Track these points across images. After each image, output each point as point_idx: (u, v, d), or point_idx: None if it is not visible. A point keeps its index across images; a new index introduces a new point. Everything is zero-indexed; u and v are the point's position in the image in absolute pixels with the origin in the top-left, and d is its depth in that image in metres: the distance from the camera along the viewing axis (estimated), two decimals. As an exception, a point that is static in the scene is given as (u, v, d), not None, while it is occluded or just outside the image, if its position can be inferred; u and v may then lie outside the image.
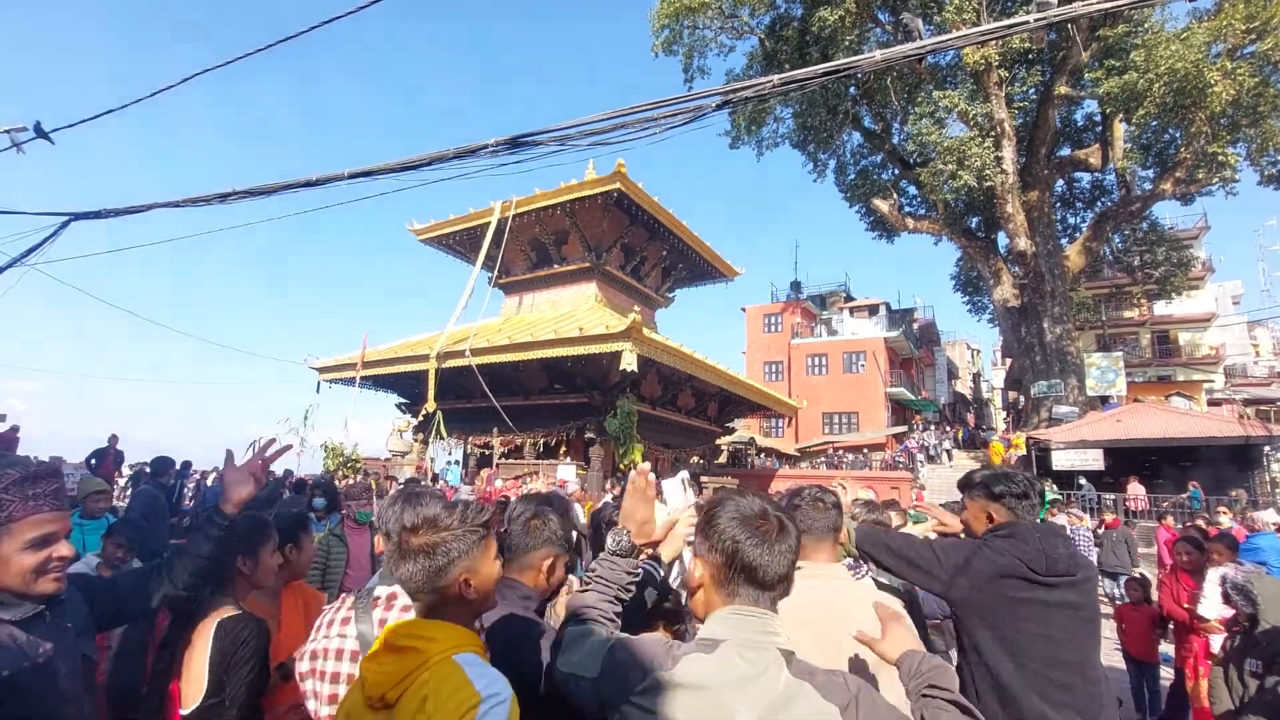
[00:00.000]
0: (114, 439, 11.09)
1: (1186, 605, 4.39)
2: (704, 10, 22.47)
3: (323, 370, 18.02)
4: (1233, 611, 3.56)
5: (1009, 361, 31.63)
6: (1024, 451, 18.39)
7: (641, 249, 18.97)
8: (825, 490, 2.04)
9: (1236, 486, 15.40)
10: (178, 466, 8.73)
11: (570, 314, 16.53)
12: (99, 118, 5.24)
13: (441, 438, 15.87)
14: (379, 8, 3.91)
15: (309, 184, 4.89)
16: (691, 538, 1.36)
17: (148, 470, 8.41)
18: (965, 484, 2.37)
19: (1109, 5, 3.38)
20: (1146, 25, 17.56)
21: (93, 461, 10.66)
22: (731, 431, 24.62)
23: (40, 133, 5.61)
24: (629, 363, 12.43)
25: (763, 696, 1.06)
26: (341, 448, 15.82)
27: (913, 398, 32.10)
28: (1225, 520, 8.33)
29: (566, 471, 13.80)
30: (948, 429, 31.25)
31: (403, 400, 19.31)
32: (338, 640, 1.63)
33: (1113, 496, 15.55)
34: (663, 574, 1.66)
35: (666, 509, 1.78)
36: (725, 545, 1.18)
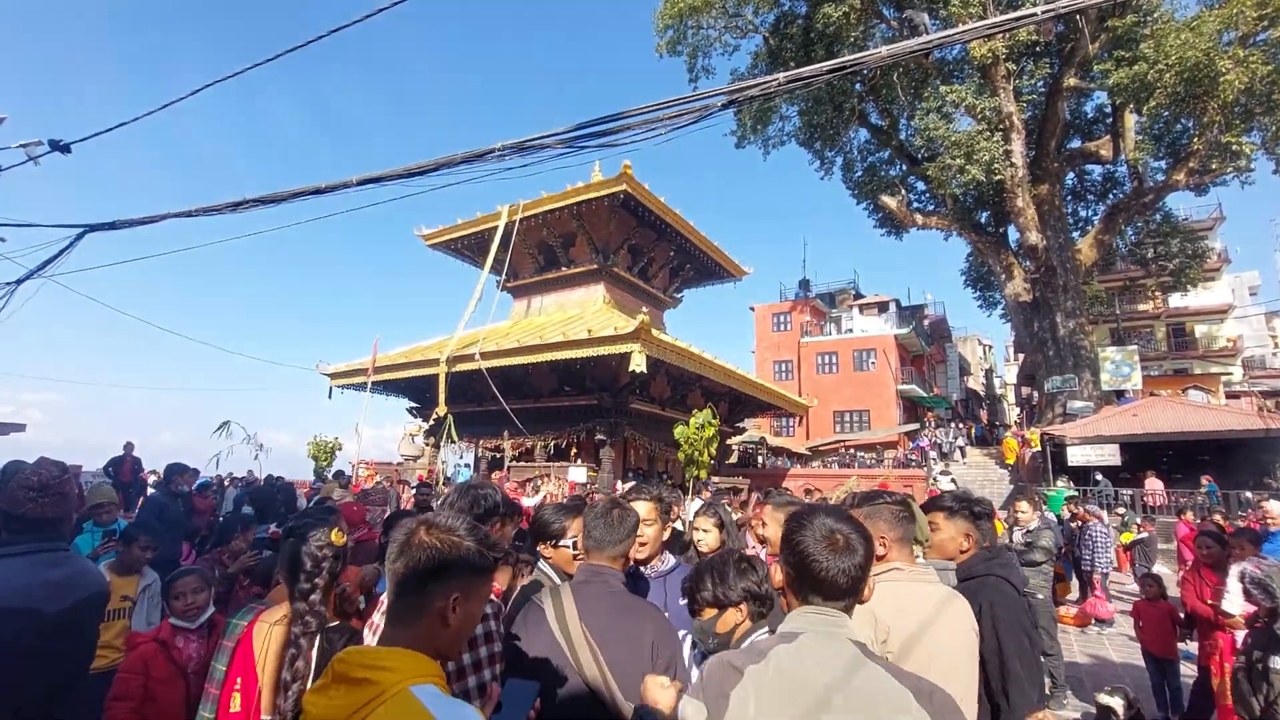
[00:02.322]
0: (129, 446, 11.23)
1: (1210, 601, 4.32)
2: (708, 10, 22.47)
3: (334, 376, 18.16)
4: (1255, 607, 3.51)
5: (1022, 357, 31.34)
6: (1039, 448, 18.21)
7: (649, 250, 18.97)
8: (904, 502, 2.04)
9: (1257, 479, 15.18)
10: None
11: (579, 316, 16.56)
12: (112, 130, 5.31)
13: (452, 441, 15.93)
14: (384, 17, 3.93)
15: (318, 191, 4.92)
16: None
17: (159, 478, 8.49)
18: (942, 506, 2.44)
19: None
20: (1156, 14, 17.35)
21: (110, 470, 10.80)
22: (742, 431, 24.58)
23: (56, 146, 5.69)
24: (638, 364, 12.44)
25: (839, 673, 1.18)
26: (326, 444, 15.89)
27: (924, 395, 31.87)
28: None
29: (578, 474, 13.81)
30: (961, 426, 30.99)
31: (414, 405, 19.42)
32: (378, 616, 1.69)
33: (1130, 492, 15.36)
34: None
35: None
36: (794, 559, 1.32)
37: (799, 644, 1.24)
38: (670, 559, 2.56)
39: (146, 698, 2.41)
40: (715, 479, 17.12)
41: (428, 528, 1.18)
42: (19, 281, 6.22)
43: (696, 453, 11.08)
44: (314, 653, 1.79)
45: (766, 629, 1.77)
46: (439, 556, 1.14)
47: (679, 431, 11.12)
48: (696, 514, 3.27)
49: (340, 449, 16.79)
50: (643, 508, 2.44)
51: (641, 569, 2.48)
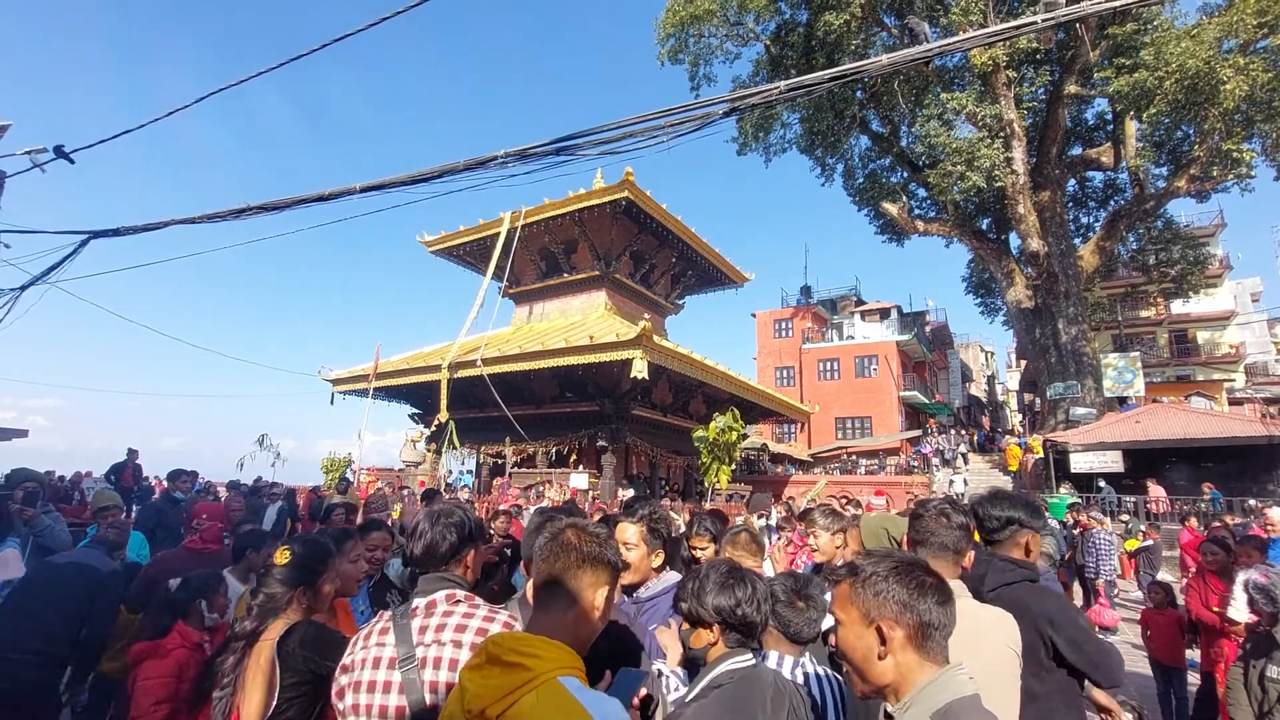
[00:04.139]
0: (133, 453, 11.22)
1: (1216, 609, 4.30)
2: (709, 18, 22.59)
3: (336, 382, 18.18)
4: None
5: (1024, 363, 31.30)
6: (1041, 454, 18.15)
7: (651, 256, 19.01)
8: (955, 506, 2.00)
9: (1260, 486, 15.11)
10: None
11: (580, 322, 16.58)
12: (117, 138, 5.34)
13: (454, 447, 15.94)
14: (387, 23, 3.96)
15: (321, 198, 4.94)
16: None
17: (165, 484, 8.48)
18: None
19: (1118, 4, 3.36)
20: (1156, 23, 17.41)
21: (112, 477, 10.79)
22: (744, 438, 24.52)
23: (60, 153, 5.72)
24: (640, 370, 12.44)
25: None
26: (337, 460, 16.01)
27: (926, 401, 31.82)
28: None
29: (579, 480, 13.80)
30: (963, 432, 30.92)
31: (416, 411, 19.42)
32: (375, 649, 1.58)
33: (1133, 499, 15.30)
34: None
35: None
36: (918, 608, 1.17)
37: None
38: (661, 581, 2.36)
39: (179, 698, 2.57)
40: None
41: (579, 528, 1.37)
42: (23, 287, 6.24)
43: (719, 458, 10.68)
44: (249, 662, 1.80)
45: (751, 658, 1.65)
46: (600, 554, 1.33)
47: (698, 436, 10.88)
48: (690, 530, 3.19)
49: (351, 464, 16.85)
50: (627, 531, 2.33)
51: (626, 595, 2.37)
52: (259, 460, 17.13)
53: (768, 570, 3.74)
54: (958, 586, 1.85)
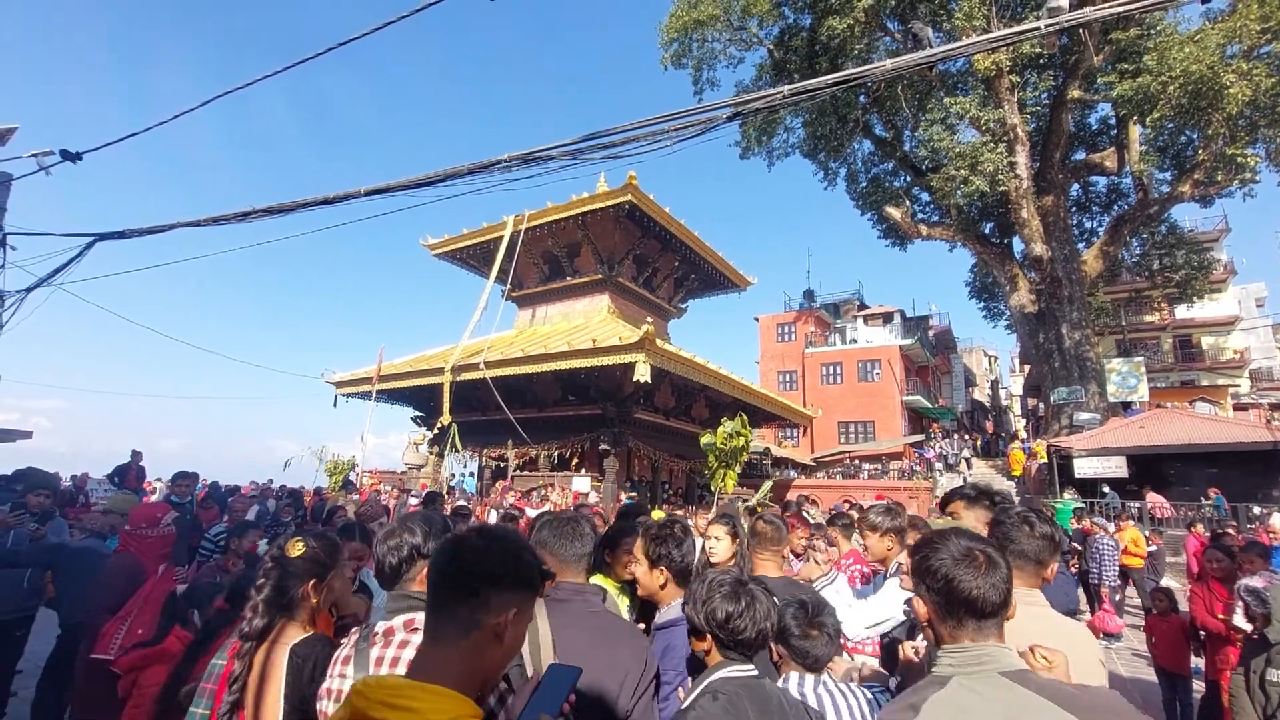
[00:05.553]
0: (137, 455, 11.26)
1: (1221, 616, 4.28)
2: (713, 23, 22.65)
3: (340, 384, 18.21)
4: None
5: (1027, 368, 31.22)
6: (1045, 459, 18.09)
7: (653, 260, 19.03)
8: (1040, 515, 1.95)
9: (1265, 492, 15.04)
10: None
11: (583, 326, 16.59)
12: (123, 141, 5.37)
13: (456, 450, 15.93)
14: (391, 25, 3.98)
15: (327, 202, 4.97)
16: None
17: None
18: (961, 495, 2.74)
19: (1120, 9, 3.37)
20: (1159, 28, 17.40)
21: (115, 479, 10.83)
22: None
23: (68, 155, 5.75)
24: (642, 374, 12.44)
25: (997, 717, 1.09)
26: (341, 463, 16.10)
27: (930, 406, 31.74)
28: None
29: (581, 483, 13.78)
30: (966, 437, 30.84)
31: (418, 413, 19.45)
32: (337, 680, 1.50)
33: (1137, 505, 15.23)
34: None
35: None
36: (939, 584, 1.27)
37: (950, 692, 1.16)
38: (674, 608, 2.15)
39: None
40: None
41: (482, 533, 1.10)
42: (29, 289, 6.28)
43: (726, 463, 10.53)
44: (259, 664, 1.70)
45: (753, 668, 1.62)
46: (501, 564, 1.03)
47: (705, 441, 10.74)
48: (709, 522, 3.19)
49: (354, 466, 16.91)
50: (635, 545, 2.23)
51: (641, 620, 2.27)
52: (305, 464, 17.29)
53: (796, 567, 3.72)
54: (1037, 598, 1.79)
